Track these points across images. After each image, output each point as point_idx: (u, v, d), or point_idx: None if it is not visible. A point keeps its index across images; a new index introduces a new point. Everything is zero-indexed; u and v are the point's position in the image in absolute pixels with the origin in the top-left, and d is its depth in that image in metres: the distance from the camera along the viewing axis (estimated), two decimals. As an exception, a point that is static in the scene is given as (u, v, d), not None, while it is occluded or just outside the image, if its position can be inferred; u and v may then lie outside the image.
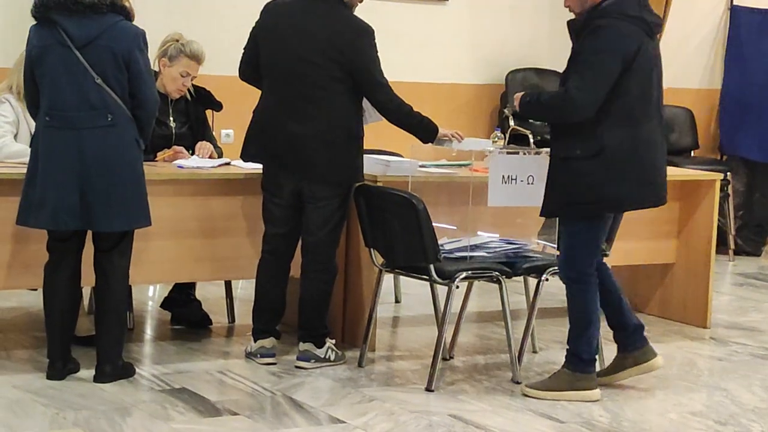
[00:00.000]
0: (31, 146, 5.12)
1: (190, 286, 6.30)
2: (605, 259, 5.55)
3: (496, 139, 6.44)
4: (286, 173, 5.52)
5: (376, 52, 5.47)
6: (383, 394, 5.26)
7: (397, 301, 7.16)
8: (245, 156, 5.65)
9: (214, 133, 6.32)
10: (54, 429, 4.62)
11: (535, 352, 6.06)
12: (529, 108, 5.24)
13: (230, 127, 7.55)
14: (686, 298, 6.90)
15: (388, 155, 6.39)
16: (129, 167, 5.07)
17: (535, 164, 5.38)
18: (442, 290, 5.55)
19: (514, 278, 5.62)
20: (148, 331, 6.32)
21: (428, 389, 5.32)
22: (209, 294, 6.71)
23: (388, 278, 6.13)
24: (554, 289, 6.00)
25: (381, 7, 8.12)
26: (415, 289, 6.84)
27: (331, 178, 5.50)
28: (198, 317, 6.28)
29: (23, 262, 5.34)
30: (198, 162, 5.87)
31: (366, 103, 5.59)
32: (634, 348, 5.41)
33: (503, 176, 5.42)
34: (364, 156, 5.61)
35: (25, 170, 5.09)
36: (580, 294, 5.22)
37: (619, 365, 5.44)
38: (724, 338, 6.64)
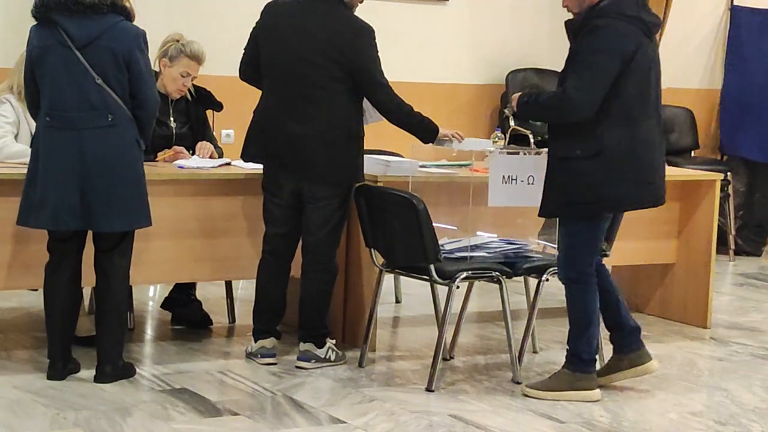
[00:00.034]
0: (31, 146, 5.12)
1: (191, 287, 6.30)
2: (605, 260, 5.56)
3: (497, 139, 6.44)
4: (286, 173, 5.52)
5: (377, 52, 5.47)
6: (384, 394, 5.26)
7: (397, 301, 7.16)
8: (245, 156, 5.65)
9: (214, 133, 6.32)
10: (54, 429, 4.62)
11: (535, 352, 6.06)
12: (527, 108, 5.24)
13: (231, 127, 7.55)
14: (686, 298, 6.90)
15: (389, 155, 6.39)
16: (129, 167, 5.07)
17: (536, 164, 5.38)
18: (442, 290, 5.55)
19: (515, 278, 5.63)
20: (149, 332, 6.32)
21: (428, 389, 5.32)
22: (210, 294, 6.71)
23: (388, 278, 6.13)
24: (554, 289, 5.99)
25: (381, 7, 8.12)
26: (416, 290, 6.84)
27: (331, 178, 5.50)
28: (198, 317, 6.28)
29: (24, 262, 5.34)
30: (198, 162, 5.87)
31: (366, 104, 5.59)
32: (630, 350, 5.41)
33: (503, 176, 5.42)
34: (365, 156, 5.61)
35: (25, 170, 5.09)
36: (579, 294, 5.23)
37: (614, 367, 5.44)
38: (724, 338, 6.64)
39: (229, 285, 6.45)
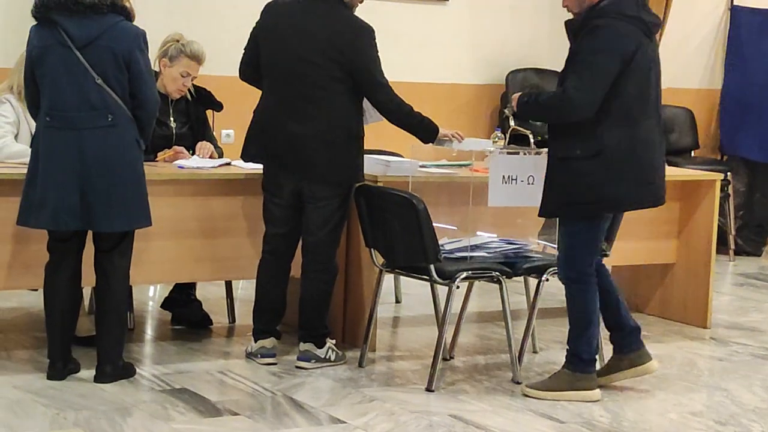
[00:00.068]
0: (31, 146, 5.12)
1: (191, 287, 6.30)
2: (606, 260, 5.55)
3: (497, 139, 6.44)
4: (286, 173, 5.52)
5: (377, 51, 5.47)
6: (384, 394, 5.26)
7: (397, 301, 7.16)
8: (245, 156, 5.65)
9: (214, 133, 6.32)
10: (54, 429, 4.62)
11: (535, 352, 6.06)
12: (527, 108, 5.23)
13: (231, 127, 7.55)
14: (686, 298, 6.90)
15: (389, 155, 6.39)
16: (129, 167, 5.07)
17: (536, 164, 5.38)
18: (442, 290, 5.55)
19: (515, 278, 5.62)
20: (149, 332, 6.32)
21: (428, 389, 5.32)
22: (210, 294, 6.71)
23: (388, 278, 6.13)
24: (554, 289, 5.99)
25: (381, 7, 8.12)
26: (416, 290, 6.84)
27: (331, 178, 5.50)
28: (198, 317, 6.28)
29: (24, 262, 5.34)
30: (198, 162, 5.87)
31: (366, 103, 5.58)
32: (630, 350, 5.41)
33: (503, 176, 5.42)
34: (365, 156, 5.61)
35: (25, 170, 5.09)
36: (579, 294, 5.22)
37: (614, 366, 5.43)
38: (724, 338, 6.64)
39: (229, 285, 6.45)
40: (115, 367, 5.20)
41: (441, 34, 8.89)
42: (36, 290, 5.99)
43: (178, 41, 5.97)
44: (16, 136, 5.69)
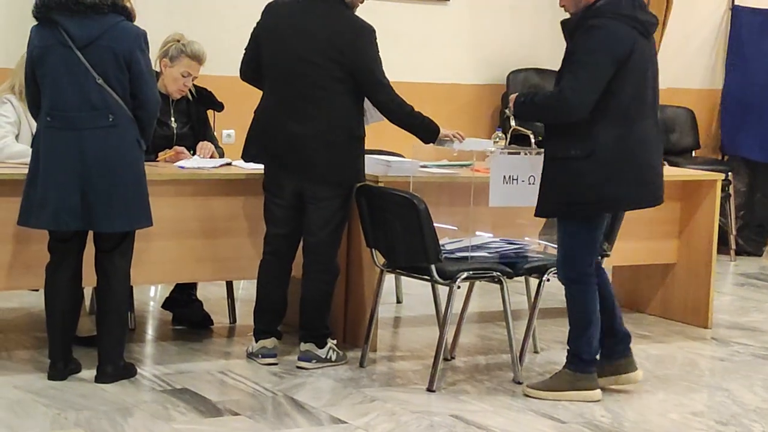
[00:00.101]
0: (32, 147, 5.12)
1: (192, 287, 6.30)
2: (606, 260, 5.55)
3: (498, 139, 6.44)
4: (287, 173, 5.52)
5: (377, 51, 5.47)
6: (384, 394, 5.26)
7: (398, 301, 7.16)
8: (246, 156, 5.65)
9: (215, 133, 6.32)
10: (55, 429, 4.62)
11: (536, 352, 6.06)
12: (523, 109, 5.22)
13: (231, 127, 7.55)
14: (687, 298, 6.90)
15: (390, 155, 6.39)
16: (130, 168, 5.07)
17: (537, 164, 5.36)
18: (443, 290, 5.55)
19: (515, 278, 5.62)
20: (150, 332, 6.32)
21: (429, 389, 5.32)
22: (210, 294, 6.71)
23: (389, 278, 6.13)
24: (555, 289, 5.98)
25: (381, 7, 8.11)
26: (417, 290, 6.84)
27: (331, 179, 5.50)
28: (199, 318, 6.28)
29: (24, 262, 5.34)
30: (199, 162, 5.87)
31: (367, 104, 5.58)
32: (619, 357, 5.39)
33: (504, 176, 5.42)
34: (366, 156, 5.61)
35: (26, 171, 5.09)
36: (579, 294, 5.22)
37: (600, 371, 5.39)
38: (725, 338, 6.64)
39: (230, 285, 6.45)
40: (116, 368, 5.20)
41: (441, 34, 8.89)
42: (37, 290, 5.98)
43: (178, 41, 5.98)
44: (17, 137, 5.69)
